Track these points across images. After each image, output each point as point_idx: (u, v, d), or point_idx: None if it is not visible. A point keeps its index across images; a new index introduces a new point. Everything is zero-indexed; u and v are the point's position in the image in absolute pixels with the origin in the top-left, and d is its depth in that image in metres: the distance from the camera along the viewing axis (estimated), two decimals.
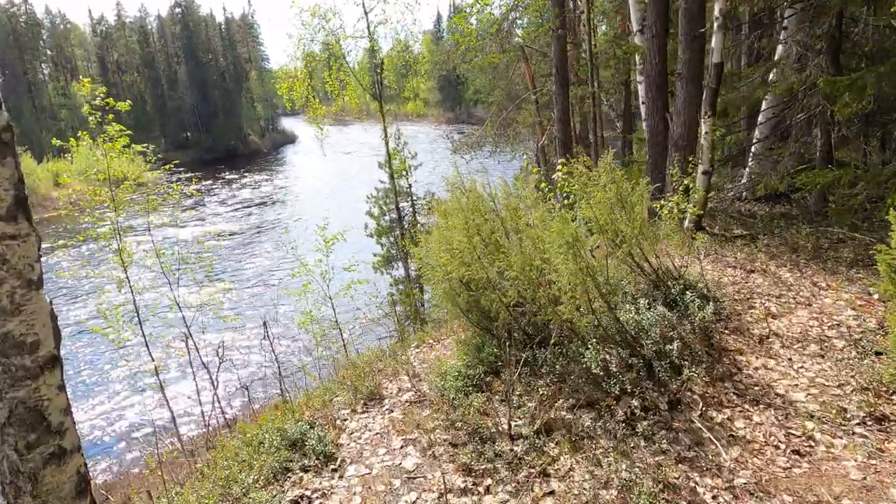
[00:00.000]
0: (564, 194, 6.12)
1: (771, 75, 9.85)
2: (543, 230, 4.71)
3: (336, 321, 12.56)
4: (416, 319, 11.98)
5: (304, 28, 14.00)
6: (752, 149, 10.46)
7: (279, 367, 11.77)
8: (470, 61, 18.69)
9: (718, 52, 7.42)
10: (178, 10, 64.42)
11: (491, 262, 4.64)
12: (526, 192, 5.89)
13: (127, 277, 10.04)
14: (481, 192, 5.24)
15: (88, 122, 10.17)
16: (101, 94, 10.46)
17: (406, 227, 15.63)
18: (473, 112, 66.47)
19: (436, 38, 71.67)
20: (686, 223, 7.98)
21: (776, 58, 9.94)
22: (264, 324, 11.57)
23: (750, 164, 10.80)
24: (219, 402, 10.62)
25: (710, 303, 5.24)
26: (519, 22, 19.06)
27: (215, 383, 10.12)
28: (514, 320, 4.77)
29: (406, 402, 4.90)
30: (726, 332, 5.22)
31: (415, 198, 15.70)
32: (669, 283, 5.58)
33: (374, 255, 16.28)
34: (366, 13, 13.82)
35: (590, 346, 4.27)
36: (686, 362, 4.44)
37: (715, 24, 7.36)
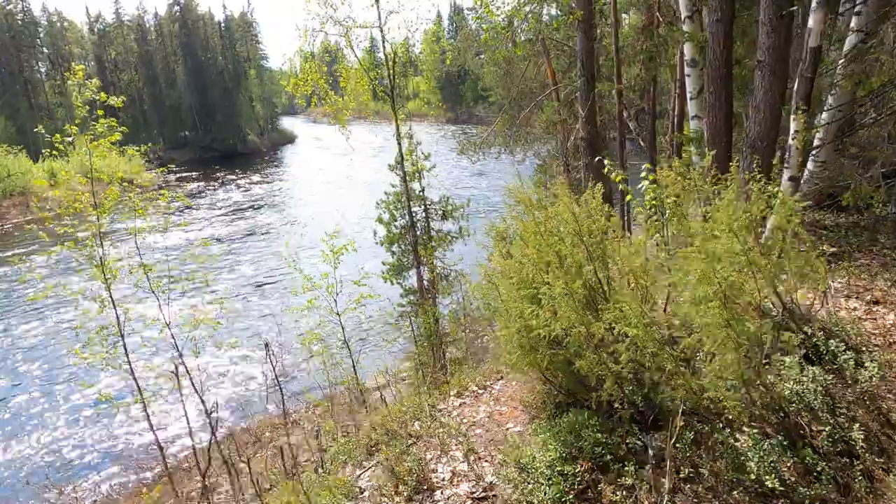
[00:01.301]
0: (656, 210, 4.73)
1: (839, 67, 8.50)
2: (666, 269, 3.32)
3: (345, 340, 11.22)
4: (435, 338, 10.62)
5: (310, 17, 12.57)
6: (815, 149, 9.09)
7: (283, 399, 10.41)
8: (482, 56, 17.33)
9: (817, 35, 6.05)
10: (176, 8, 62.72)
11: (594, 313, 3.25)
12: (592, 205, 4.50)
13: (110, 296, 8.64)
14: (570, 209, 3.82)
15: (83, 117, 8.85)
16: (94, 88, 9.12)
17: (420, 233, 14.24)
18: (474, 112, 65.06)
19: (437, 37, 70.15)
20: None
21: (848, 47, 8.55)
22: (266, 345, 10.20)
23: (809, 166, 9.44)
24: (214, 437, 9.26)
25: (865, 356, 3.88)
26: (534, 14, 17.69)
27: (212, 424, 8.72)
28: (620, 389, 3.39)
29: (468, 498, 3.51)
30: (891, 397, 3.85)
31: (428, 202, 14.30)
32: (801, 325, 4.21)
33: (384, 264, 14.89)
34: (376, 0, 12.40)
35: (746, 434, 2.89)
36: (869, 454, 3.07)
37: (814, 1, 5.99)
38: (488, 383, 5.45)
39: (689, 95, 9.90)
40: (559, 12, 16.48)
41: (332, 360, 11.59)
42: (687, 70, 9.77)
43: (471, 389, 5.38)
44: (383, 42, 12.60)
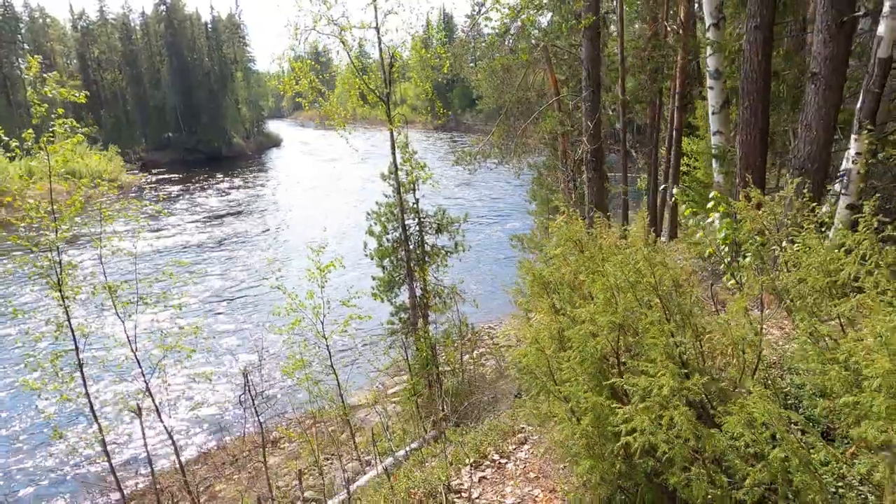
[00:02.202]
0: (732, 251, 3.80)
1: None
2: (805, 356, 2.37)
3: (332, 364, 10.18)
4: (431, 367, 9.61)
5: (301, 14, 11.51)
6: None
7: (262, 429, 9.35)
8: (475, 64, 16.45)
9: (888, 44, 5.21)
10: (162, 7, 61.10)
11: (707, 418, 2.29)
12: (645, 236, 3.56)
13: (69, 320, 7.51)
14: (646, 256, 2.86)
15: (42, 117, 7.76)
16: (52, 83, 8.00)
17: (413, 247, 13.24)
18: (462, 119, 64.25)
19: (425, 44, 69.24)
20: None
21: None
22: (244, 375, 9.13)
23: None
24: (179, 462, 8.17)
25: None
26: (530, 19, 16.86)
27: (177, 450, 7.63)
28: None
29: None
30: None
31: (423, 215, 13.30)
32: None
33: (374, 279, 13.85)
34: None
35: None
36: None
37: (886, 5, 5.15)
38: (511, 447, 4.48)
39: (710, 109, 9.08)
40: (559, 18, 15.66)
41: (315, 383, 10.56)
42: (710, 82, 8.95)
43: (490, 458, 4.40)
44: (380, 44, 11.62)
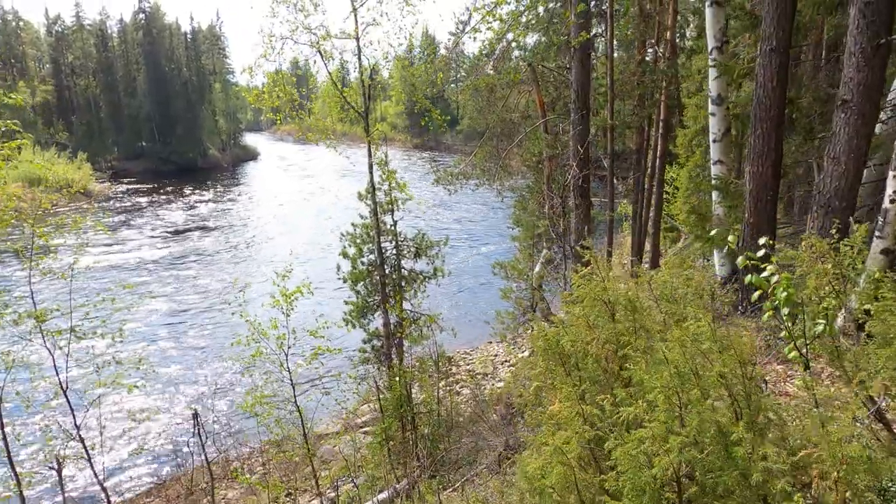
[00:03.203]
0: (792, 314, 2.98)
1: None
2: None
3: (296, 402, 9.16)
4: (406, 409, 8.62)
5: (277, 21, 10.62)
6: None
7: (211, 477, 8.27)
8: (463, 82, 15.76)
9: None
10: (141, 15, 59.62)
11: None
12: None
13: None
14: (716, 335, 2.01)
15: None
16: None
17: (389, 271, 12.32)
18: (442, 139, 63.78)
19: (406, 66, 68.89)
20: (841, 327, 4.99)
21: None
22: (194, 415, 8.05)
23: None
24: None
25: None
26: (517, 42, 16.27)
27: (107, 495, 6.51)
28: None
29: None
30: None
31: (401, 238, 12.41)
32: None
33: (346, 303, 12.87)
34: (355, 9, 10.61)
35: None
36: None
37: None
38: None
39: (712, 137, 8.42)
40: (547, 39, 15.09)
41: (277, 421, 9.52)
42: (711, 108, 8.29)
43: None
44: (359, 56, 10.77)
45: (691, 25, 16.23)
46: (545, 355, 2.65)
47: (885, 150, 6.40)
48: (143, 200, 40.47)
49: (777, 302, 3.01)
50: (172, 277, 23.53)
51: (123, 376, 6.97)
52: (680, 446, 1.76)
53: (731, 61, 7.65)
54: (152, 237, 30.34)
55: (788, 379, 4.94)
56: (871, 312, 2.99)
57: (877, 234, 5.05)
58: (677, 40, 15.01)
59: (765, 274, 3.10)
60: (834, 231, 5.33)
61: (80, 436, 6.62)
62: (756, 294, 3.05)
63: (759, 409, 2.06)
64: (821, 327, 2.85)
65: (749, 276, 2.94)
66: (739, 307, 6.65)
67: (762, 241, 3.33)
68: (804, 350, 2.97)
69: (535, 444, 2.56)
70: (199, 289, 21.99)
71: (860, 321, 4.44)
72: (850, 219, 5.49)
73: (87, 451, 6.73)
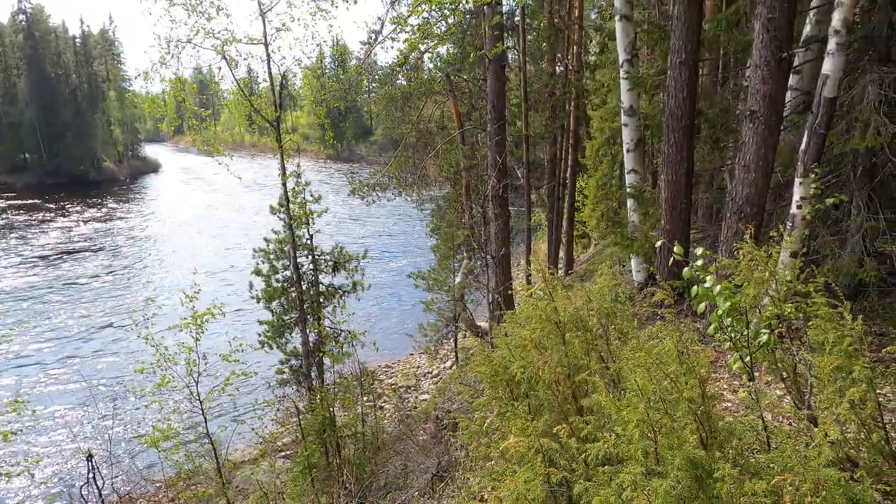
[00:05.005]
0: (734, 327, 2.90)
1: None
2: None
3: (208, 434, 8.40)
4: (329, 435, 8.09)
5: (175, 26, 9.78)
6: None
7: None
8: (377, 92, 15.43)
9: (834, 84, 4.78)
10: (21, 17, 54.33)
11: None
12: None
13: None
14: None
15: None
16: None
17: (306, 287, 11.68)
18: (356, 150, 62.89)
19: (317, 74, 67.39)
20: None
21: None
22: (89, 457, 7.12)
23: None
24: None
25: None
26: (431, 53, 16.20)
27: None
28: None
29: None
30: None
31: (317, 252, 11.83)
32: None
33: (261, 323, 12.08)
34: (263, 13, 10.00)
35: None
36: None
37: (832, 42, 4.73)
38: None
39: (625, 147, 8.61)
40: (460, 51, 15.10)
41: (189, 455, 8.71)
42: (624, 119, 8.48)
43: None
44: (269, 62, 10.16)
45: (593, 42, 16.89)
46: (491, 382, 2.39)
47: (782, 158, 6.76)
48: (23, 218, 36.60)
49: (720, 312, 2.92)
50: (57, 305, 21.20)
51: None
52: (665, 492, 1.56)
53: (647, 75, 7.86)
54: (30, 259, 27.32)
55: (722, 379, 5.00)
56: (789, 315, 2.98)
57: (786, 237, 5.26)
58: (581, 55, 15.53)
59: (707, 284, 3.01)
60: (748, 236, 5.48)
61: None
62: (702, 305, 2.95)
63: (729, 435, 1.90)
64: (765, 337, 2.80)
65: (695, 287, 2.83)
66: (658, 312, 6.76)
67: (699, 250, 3.26)
68: (747, 359, 2.90)
69: (487, 478, 2.28)
70: (89, 317, 19.96)
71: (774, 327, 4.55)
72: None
73: None
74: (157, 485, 11.14)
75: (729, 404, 4.41)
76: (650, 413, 1.72)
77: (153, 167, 64.92)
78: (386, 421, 13.08)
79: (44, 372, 15.74)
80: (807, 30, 5.57)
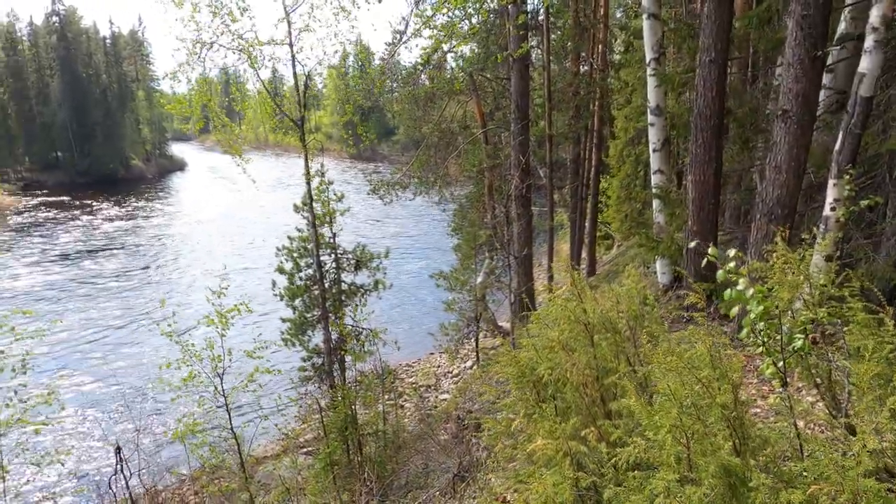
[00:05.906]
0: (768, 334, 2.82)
1: None
2: None
3: (232, 430, 8.50)
4: (351, 432, 8.15)
5: (199, 30, 9.90)
6: None
7: None
8: (400, 91, 15.48)
9: (871, 83, 4.65)
10: (54, 18, 55.71)
11: None
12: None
13: None
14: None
15: None
16: None
17: (329, 285, 11.78)
18: (378, 150, 63.18)
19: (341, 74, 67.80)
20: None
21: None
22: (117, 450, 7.27)
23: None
24: None
25: None
26: (454, 52, 16.17)
27: None
28: None
29: None
30: None
31: (340, 250, 11.91)
32: None
33: (284, 321, 12.22)
34: (287, 14, 10.10)
35: None
36: None
37: (869, 39, 4.60)
38: None
39: (651, 147, 8.49)
40: (484, 51, 15.06)
41: (213, 449, 8.83)
42: (650, 118, 8.37)
43: None
44: (294, 63, 10.26)
45: (618, 40, 16.69)
46: (518, 383, 2.37)
47: (814, 159, 6.59)
48: (57, 215, 37.54)
49: (753, 316, 2.86)
50: (87, 300, 21.72)
51: (29, 413, 6.16)
52: (699, 500, 1.52)
53: (675, 73, 7.74)
54: (63, 256, 28.02)
55: (751, 384, 4.90)
56: (823, 319, 2.91)
57: (819, 240, 5.12)
58: (606, 54, 15.36)
59: (739, 287, 2.95)
60: (779, 239, 5.36)
61: None
62: (734, 309, 2.89)
63: (763, 442, 1.85)
64: (799, 342, 2.73)
65: (727, 290, 2.77)
66: (684, 315, 6.65)
67: (731, 252, 3.19)
68: (780, 365, 2.83)
69: (512, 479, 2.26)
70: (118, 312, 20.40)
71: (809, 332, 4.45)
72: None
73: None
74: (182, 478, 11.34)
75: (758, 410, 4.32)
76: (683, 418, 1.69)
77: (179, 165, 66.09)
78: (407, 420, 13.10)
79: (70, 367, 16.12)
80: (841, 27, 5.43)
